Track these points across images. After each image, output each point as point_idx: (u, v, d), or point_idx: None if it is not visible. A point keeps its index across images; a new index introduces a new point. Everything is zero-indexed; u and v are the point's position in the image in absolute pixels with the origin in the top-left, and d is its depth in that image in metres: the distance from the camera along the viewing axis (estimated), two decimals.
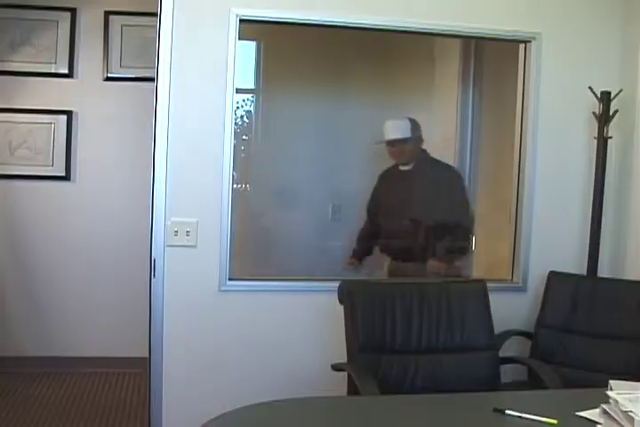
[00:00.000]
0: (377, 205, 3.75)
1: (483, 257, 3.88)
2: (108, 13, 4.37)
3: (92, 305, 4.39)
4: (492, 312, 2.74)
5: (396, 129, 3.65)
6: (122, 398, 3.92)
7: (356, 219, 3.88)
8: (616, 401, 1.70)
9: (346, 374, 2.57)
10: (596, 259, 3.15)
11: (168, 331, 2.94)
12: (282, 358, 3.06)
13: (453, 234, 3.72)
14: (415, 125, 3.66)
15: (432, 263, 3.61)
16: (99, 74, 4.39)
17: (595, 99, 3.11)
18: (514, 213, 3.29)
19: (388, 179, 3.74)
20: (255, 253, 3.91)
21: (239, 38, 2.94)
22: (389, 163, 3.73)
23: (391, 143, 3.66)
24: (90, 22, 4.36)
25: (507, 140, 3.38)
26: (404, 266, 3.66)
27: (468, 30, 3.13)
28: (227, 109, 2.93)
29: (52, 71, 4.33)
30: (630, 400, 1.68)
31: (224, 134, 2.94)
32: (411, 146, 3.66)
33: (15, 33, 4.29)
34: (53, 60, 4.34)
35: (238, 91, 3.00)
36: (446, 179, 3.69)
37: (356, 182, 4.08)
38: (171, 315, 2.94)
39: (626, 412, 1.65)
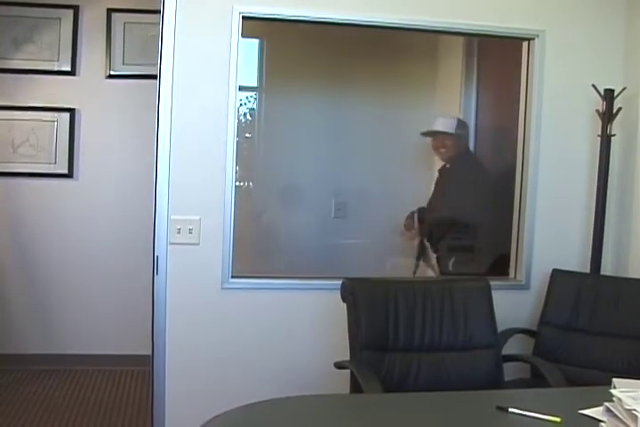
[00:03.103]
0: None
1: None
2: (110, 11, 4.37)
3: (95, 303, 4.39)
4: (494, 310, 2.74)
5: (440, 123, 3.79)
6: (124, 396, 3.93)
7: (359, 216, 3.88)
8: (619, 399, 1.70)
9: (349, 371, 2.57)
10: (600, 257, 3.14)
11: (171, 329, 2.95)
12: (284, 356, 3.06)
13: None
14: (461, 124, 3.82)
15: None
16: (101, 71, 4.39)
17: (598, 96, 3.10)
18: (517, 211, 3.29)
19: (439, 175, 3.87)
20: (258, 250, 3.90)
21: (242, 36, 2.94)
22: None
23: (433, 135, 3.79)
24: (92, 20, 4.36)
25: (510, 137, 3.37)
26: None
27: (471, 28, 3.13)
28: (229, 107, 2.93)
29: (55, 69, 4.33)
30: (634, 398, 1.68)
31: (227, 132, 2.94)
32: (450, 142, 3.76)
33: (17, 30, 4.29)
34: (56, 58, 4.34)
35: (241, 88, 3.00)
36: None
37: (359, 180, 4.06)
38: (173, 313, 2.95)
39: (629, 410, 1.65)
